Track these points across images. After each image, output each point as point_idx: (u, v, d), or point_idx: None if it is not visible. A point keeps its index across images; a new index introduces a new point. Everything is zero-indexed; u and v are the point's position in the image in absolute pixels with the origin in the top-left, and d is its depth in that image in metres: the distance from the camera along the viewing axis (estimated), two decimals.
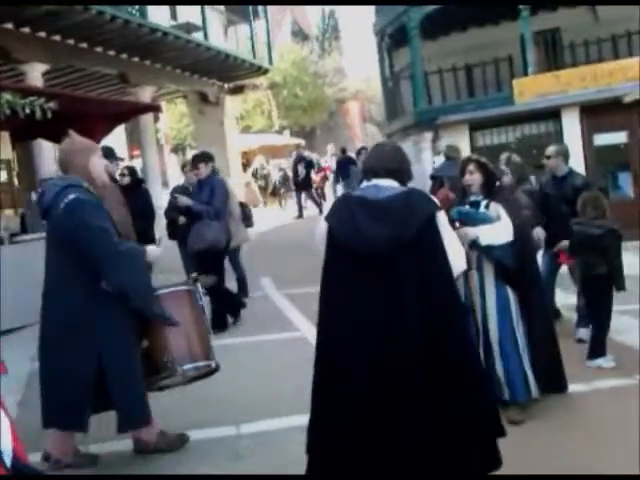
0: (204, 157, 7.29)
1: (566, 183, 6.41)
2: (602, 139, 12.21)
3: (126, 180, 7.91)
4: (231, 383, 5.27)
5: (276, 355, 6.10)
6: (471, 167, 4.67)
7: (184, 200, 7.14)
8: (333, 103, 36.73)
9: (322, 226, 3.25)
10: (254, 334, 6.84)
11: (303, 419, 4.32)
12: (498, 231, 4.50)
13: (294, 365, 5.62)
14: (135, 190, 7.88)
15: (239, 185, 17.79)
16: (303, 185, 18.89)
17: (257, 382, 5.36)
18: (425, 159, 12.99)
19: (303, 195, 18.98)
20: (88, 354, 3.79)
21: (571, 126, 11.93)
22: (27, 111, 5.80)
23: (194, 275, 4.50)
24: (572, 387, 4.80)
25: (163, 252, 4.37)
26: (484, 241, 4.49)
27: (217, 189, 6.99)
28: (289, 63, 32.52)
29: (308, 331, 6.78)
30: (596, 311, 5.60)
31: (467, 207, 4.71)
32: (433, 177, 9.14)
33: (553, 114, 12.06)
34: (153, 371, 3.99)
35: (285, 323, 7.29)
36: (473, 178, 4.64)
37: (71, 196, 3.76)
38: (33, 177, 11.17)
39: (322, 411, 3.10)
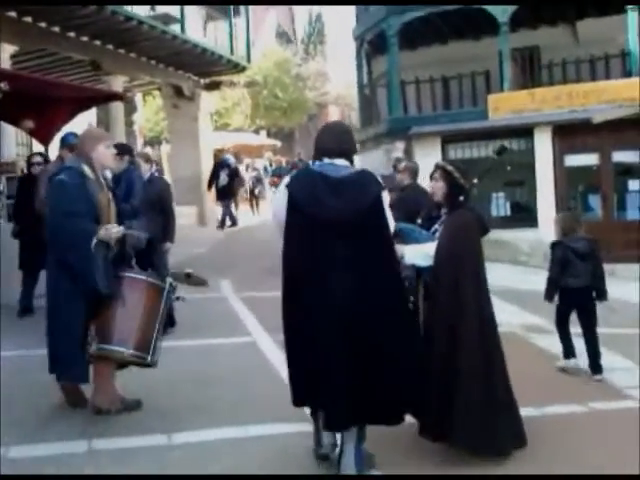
0: (120, 149, 6.44)
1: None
2: (573, 160, 12.23)
3: (38, 169, 7.23)
4: (169, 388, 5.07)
5: (222, 360, 5.89)
6: (436, 174, 4.27)
7: None
8: (313, 106, 36.58)
9: (282, 192, 3.67)
10: (203, 337, 6.62)
11: (236, 431, 4.24)
12: (421, 252, 4.19)
13: (239, 371, 5.45)
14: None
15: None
16: (224, 193, 16.74)
17: (197, 388, 5.12)
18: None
19: (226, 203, 16.88)
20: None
21: (543, 145, 11.93)
22: None
23: (187, 271, 4.57)
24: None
25: None
26: (408, 260, 4.20)
27: (135, 185, 6.41)
28: (271, 63, 32.30)
29: (259, 336, 6.63)
30: (589, 322, 5.81)
31: (404, 224, 4.44)
32: None
33: (526, 131, 12.04)
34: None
35: (237, 327, 7.09)
36: (436, 186, 4.24)
37: (60, 176, 4.40)
38: None
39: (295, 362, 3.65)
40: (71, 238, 4.30)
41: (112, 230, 4.38)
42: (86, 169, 4.44)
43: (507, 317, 6.93)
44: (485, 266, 4.22)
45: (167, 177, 18.52)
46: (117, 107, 14.22)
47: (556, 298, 5.99)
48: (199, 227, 15.37)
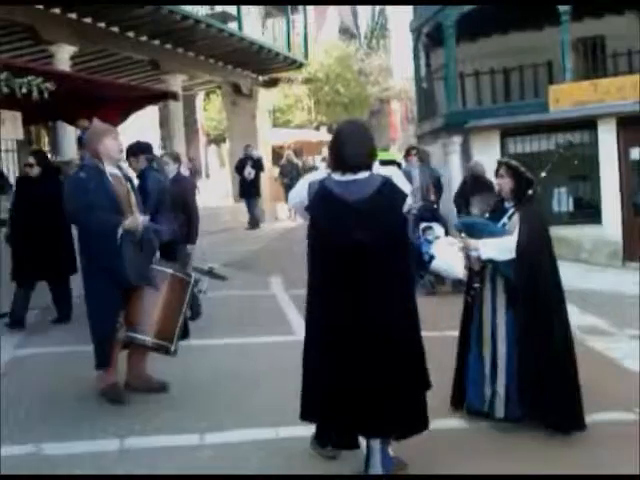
0: (134, 148, 6.43)
1: None
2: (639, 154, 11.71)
3: (35, 171, 6.86)
4: (206, 387, 5.07)
5: (264, 359, 5.84)
6: (501, 171, 4.40)
7: None
8: (376, 102, 36.31)
9: (300, 196, 3.63)
10: (248, 335, 6.59)
11: (271, 433, 4.19)
12: (499, 246, 4.27)
13: (279, 371, 5.39)
14: (49, 181, 6.77)
15: (268, 180, 17.63)
16: (249, 190, 15.15)
17: (234, 387, 5.10)
18: (453, 163, 12.62)
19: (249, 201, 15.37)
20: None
21: (607, 138, 11.45)
22: (24, 90, 5.63)
23: (209, 266, 5.26)
24: None
25: None
26: (484, 255, 4.32)
27: (147, 187, 6.02)
28: (333, 59, 32.19)
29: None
30: None
31: (472, 218, 4.52)
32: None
33: (589, 124, 11.58)
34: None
35: (283, 325, 7.03)
36: (503, 182, 4.37)
37: (74, 175, 4.70)
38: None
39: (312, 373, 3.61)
40: (96, 231, 4.45)
41: (137, 220, 4.53)
42: (100, 164, 4.59)
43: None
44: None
45: (226, 175, 18.80)
46: (176, 106, 14.43)
47: None
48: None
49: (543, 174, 4.56)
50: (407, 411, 3.55)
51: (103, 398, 4.72)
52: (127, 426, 4.32)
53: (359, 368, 3.46)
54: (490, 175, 5.61)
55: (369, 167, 3.52)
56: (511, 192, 4.35)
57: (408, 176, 9.61)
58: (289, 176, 17.56)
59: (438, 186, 10.05)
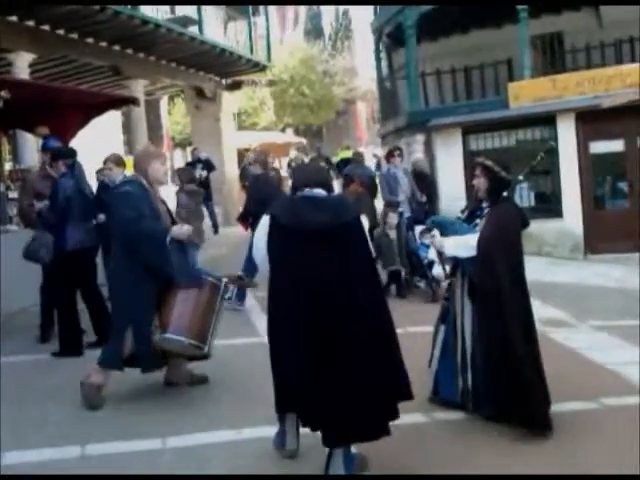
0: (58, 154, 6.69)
1: None
2: (599, 147, 11.90)
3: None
4: (168, 391, 5.08)
5: (228, 360, 5.83)
6: (477, 171, 4.45)
7: None
8: (341, 103, 36.43)
9: (262, 226, 3.80)
10: None
11: (233, 433, 4.21)
12: (461, 244, 4.38)
13: (243, 372, 5.41)
14: None
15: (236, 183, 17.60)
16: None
17: (199, 390, 5.10)
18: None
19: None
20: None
21: (566, 132, 11.60)
22: None
23: (239, 274, 5.91)
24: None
25: None
26: (448, 252, 4.49)
27: (58, 195, 6.34)
28: (297, 61, 32.25)
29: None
30: None
31: (442, 217, 4.67)
32: (346, 175, 10.67)
33: (549, 120, 11.74)
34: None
35: (248, 327, 7.04)
36: (479, 182, 4.43)
37: (123, 188, 4.88)
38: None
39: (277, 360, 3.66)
40: (148, 237, 4.72)
41: (183, 228, 4.91)
42: (144, 182, 4.89)
43: None
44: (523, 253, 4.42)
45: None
46: (139, 111, 14.31)
47: None
48: (224, 227, 15.36)
49: (520, 177, 4.60)
50: (375, 418, 3.57)
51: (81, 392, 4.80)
52: (87, 432, 4.32)
53: (325, 370, 3.49)
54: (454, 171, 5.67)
55: (325, 188, 3.84)
56: (486, 192, 4.40)
57: (393, 178, 9.59)
58: (250, 180, 17.33)
59: (372, 185, 10.21)
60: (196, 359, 5.07)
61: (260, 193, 8.03)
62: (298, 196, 3.82)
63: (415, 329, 6.10)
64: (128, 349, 4.78)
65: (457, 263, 4.57)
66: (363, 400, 3.48)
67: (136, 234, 4.70)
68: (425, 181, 11.21)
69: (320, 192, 3.80)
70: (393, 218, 8.72)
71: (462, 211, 4.75)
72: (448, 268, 4.71)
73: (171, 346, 4.87)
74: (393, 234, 8.65)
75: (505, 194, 4.39)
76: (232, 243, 12.74)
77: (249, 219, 8.11)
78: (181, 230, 4.88)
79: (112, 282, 5.06)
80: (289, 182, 21.04)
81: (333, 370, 3.48)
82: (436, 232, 4.59)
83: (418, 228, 8.61)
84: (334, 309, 3.52)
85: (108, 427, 4.42)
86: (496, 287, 4.24)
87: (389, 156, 9.82)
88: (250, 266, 7.38)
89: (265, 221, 3.79)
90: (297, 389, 3.55)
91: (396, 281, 8.52)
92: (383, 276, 7.90)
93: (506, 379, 4.21)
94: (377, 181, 10.67)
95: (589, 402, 4.76)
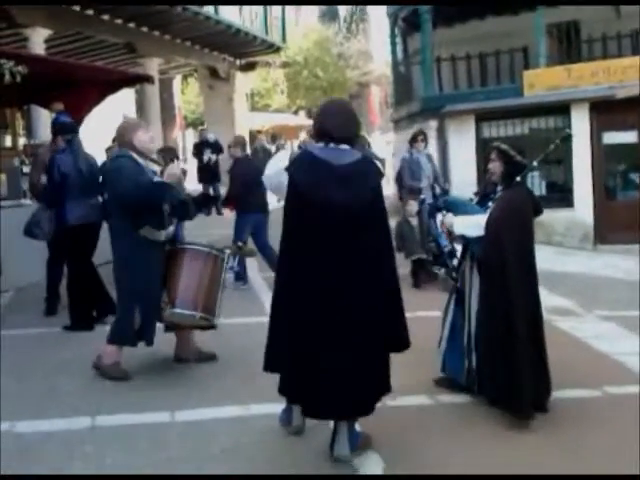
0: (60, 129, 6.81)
1: None
2: (613, 137, 11.86)
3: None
4: (177, 366, 5.19)
5: (236, 339, 5.91)
6: (492, 155, 4.52)
7: None
8: (355, 86, 36.24)
9: (280, 170, 3.67)
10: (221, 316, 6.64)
11: (241, 409, 4.28)
12: (470, 223, 4.47)
13: (251, 350, 5.46)
14: None
15: None
16: (209, 175, 14.69)
17: (202, 366, 5.19)
18: (429, 147, 12.66)
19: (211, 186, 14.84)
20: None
21: (580, 122, 11.57)
22: None
23: (239, 244, 5.84)
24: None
25: None
26: (457, 230, 4.59)
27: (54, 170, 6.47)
28: (312, 43, 32.08)
29: None
30: None
31: (455, 197, 4.72)
32: None
33: (563, 109, 11.71)
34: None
35: (256, 306, 7.10)
36: (494, 166, 4.49)
37: (115, 163, 4.90)
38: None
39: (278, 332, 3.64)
40: (146, 196, 4.75)
41: (174, 167, 4.99)
42: (134, 156, 4.89)
43: None
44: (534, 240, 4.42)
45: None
46: (153, 90, 14.37)
47: None
48: None
49: (535, 163, 4.62)
50: (374, 386, 3.61)
51: (102, 374, 4.90)
52: (98, 404, 4.40)
53: (330, 337, 3.49)
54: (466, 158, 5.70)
55: (351, 142, 3.66)
56: (500, 175, 4.46)
57: (417, 163, 9.26)
58: (260, 162, 17.26)
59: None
60: (204, 329, 5.19)
61: (242, 176, 8.10)
62: (321, 160, 3.57)
63: (427, 314, 6.12)
64: (137, 324, 4.85)
65: (466, 245, 4.63)
66: (360, 371, 3.51)
67: (136, 198, 4.73)
68: None
69: (345, 149, 3.62)
70: (414, 205, 8.51)
71: (475, 194, 4.82)
72: (459, 248, 4.76)
73: (181, 320, 4.98)
74: (415, 221, 8.47)
75: (519, 179, 4.40)
76: None
77: (231, 202, 8.22)
78: (172, 169, 4.96)
79: (117, 258, 5.00)
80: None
81: (335, 342, 3.49)
82: (447, 213, 4.66)
83: (439, 216, 8.61)
84: (346, 281, 3.50)
85: (118, 400, 4.50)
86: (501, 266, 4.26)
87: (413, 141, 9.46)
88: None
89: (282, 159, 3.77)
90: (292, 351, 3.56)
91: (418, 269, 8.32)
92: (406, 266, 7.86)
93: (503, 360, 4.22)
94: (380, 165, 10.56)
95: (593, 390, 4.79)
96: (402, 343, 3.70)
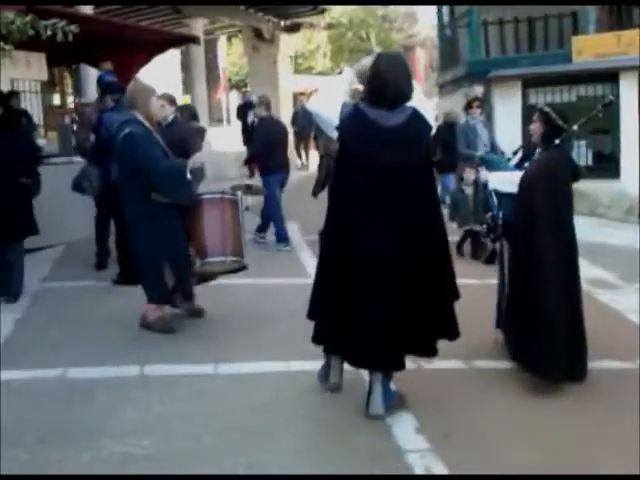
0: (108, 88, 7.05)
1: None
2: None
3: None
4: (222, 322, 5.34)
5: (279, 299, 6.08)
6: (534, 116, 4.60)
7: None
8: (400, 49, 35.74)
9: (330, 118, 3.71)
10: (264, 276, 6.82)
11: (282, 365, 4.45)
12: (504, 178, 4.62)
13: (294, 310, 5.62)
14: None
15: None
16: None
17: (252, 324, 5.35)
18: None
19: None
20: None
21: (629, 90, 11.31)
22: (49, 33, 5.75)
23: (247, 183, 6.03)
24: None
25: None
26: (491, 185, 4.74)
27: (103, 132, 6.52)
28: (356, 4, 31.65)
29: None
30: None
31: (491, 154, 5.52)
32: None
33: (611, 76, 11.45)
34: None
35: (299, 268, 7.25)
36: (534, 127, 4.56)
37: (127, 130, 4.84)
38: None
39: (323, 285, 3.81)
40: (171, 175, 4.87)
41: (196, 158, 5.11)
42: (143, 120, 4.93)
43: None
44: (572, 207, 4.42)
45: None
46: (198, 50, 14.44)
47: None
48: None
49: (575, 127, 4.59)
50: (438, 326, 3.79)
51: (150, 329, 5.10)
52: (147, 354, 4.62)
53: (384, 294, 3.61)
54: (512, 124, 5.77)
55: (406, 101, 3.66)
56: (541, 137, 4.49)
57: (473, 130, 8.81)
58: (300, 124, 16.69)
59: None
60: (236, 272, 5.35)
61: (265, 135, 8.20)
62: (371, 121, 3.58)
63: (466, 281, 6.16)
64: (170, 283, 5.02)
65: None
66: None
67: (160, 174, 4.80)
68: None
69: (396, 111, 3.61)
70: (470, 173, 8.31)
71: (514, 152, 4.92)
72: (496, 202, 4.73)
73: (214, 268, 5.17)
74: (469, 190, 8.32)
75: (557, 142, 4.38)
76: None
77: (254, 162, 8.38)
78: (195, 161, 5.09)
79: (135, 222, 5.04)
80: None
81: (378, 296, 3.62)
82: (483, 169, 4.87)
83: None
84: (395, 239, 3.61)
85: (164, 351, 4.70)
86: (531, 226, 4.26)
87: (468, 107, 9.04)
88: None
89: (334, 110, 3.70)
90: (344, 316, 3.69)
91: (471, 240, 8.19)
92: (457, 235, 7.88)
93: (531, 324, 4.23)
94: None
95: (626, 362, 4.82)
96: (453, 296, 3.84)
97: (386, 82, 3.58)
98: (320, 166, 8.28)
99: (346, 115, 3.65)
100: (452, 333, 3.84)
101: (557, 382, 4.20)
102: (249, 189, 6.31)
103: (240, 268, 5.28)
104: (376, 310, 3.61)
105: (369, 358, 3.73)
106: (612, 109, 11.50)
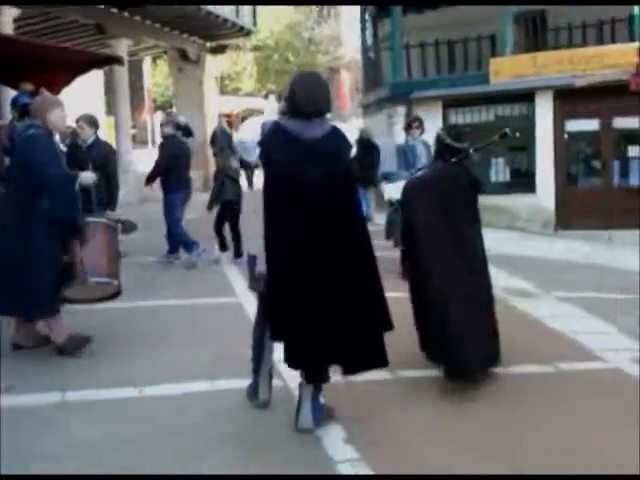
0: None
1: None
2: (575, 125, 12.16)
3: None
4: (150, 344, 5.28)
5: (205, 319, 6.05)
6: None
7: None
8: (326, 71, 36.22)
9: (253, 139, 3.74)
10: (190, 297, 6.79)
11: (207, 385, 4.43)
12: (395, 188, 5.78)
13: (221, 330, 5.62)
14: None
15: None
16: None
17: (177, 345, 5.31)
18: (396, 133, 12.87)
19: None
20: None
21: (544, 110, 11.84)
22: None
23: (122, 219, 5.59)
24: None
25: None
26: (386, 195, 6.01)
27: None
28: (283, 27, 32.02)
29: (245, 297, 6.76)
30: None
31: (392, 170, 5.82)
32: None
33: (527, 96, 11.96)
34: (67, 280, 4.86)
35: (226, 288, 7.25)
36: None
37: (31, 131, 4.86)
38: None
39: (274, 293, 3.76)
40: (60, 183, 4.83)
41: (89, 176, 5.09)
42: (46, 129, 4.91)
43: (494, 281, 6.97)
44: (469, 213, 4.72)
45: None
46: (122, 71, 14.31)
47: None
48: (202, 193, 15.42)
49: (471, 150, 4.86)
50: (367, 350, 3.78)
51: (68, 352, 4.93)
52: (69, 379, 4.51)
53: (321, 307, 3.67)
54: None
55: (323, 114, 3.73)
56: (434, 154, 5.07)
57: (412, 150, 8.60)
58: (220, 145, 16.73)
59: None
60: (112, 298, 5.21)
61: (171, 153, 8.37)
62: (292, 135, 3.65)
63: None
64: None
65: None
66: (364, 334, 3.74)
67: (48, 179, 4.74)
68: (370, 148, 11.69)
69: (316, 121, 3.69)
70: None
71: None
72: None
73: (92, 291, 5.04)
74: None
75: (454, 160, 4.72)
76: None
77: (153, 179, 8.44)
78: (88, 177, 5.07)
79: (11, 228, 4.84)
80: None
81: (323, 307, 3.67)
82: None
83: None
84: (332, 256, 3.66)
85: (84, 376, 4.61)
86: (410, 229, 4.72)
87: (408, 127, 8.97)
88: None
89: (254, 135, 3.75)
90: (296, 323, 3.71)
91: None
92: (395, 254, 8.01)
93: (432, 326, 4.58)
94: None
95: (545, 365, 5.02)
96: (385, 325, 3.85)
97: (302, 92, 3.67)
98: (215, 181, 8.75)
99: (266, 131, 3.71)
100: (381, 361, 3.87)
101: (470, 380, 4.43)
102: (122, 224, 6.16)
103: (116, 294, 5.18)
104: (313, 332, 3.67)
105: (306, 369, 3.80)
106: (528, 127, 12.02)
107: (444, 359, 4.50)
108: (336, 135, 3.77)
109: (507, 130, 5.20)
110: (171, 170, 8.27)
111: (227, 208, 8.56)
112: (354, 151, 9.16)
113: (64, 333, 4.97)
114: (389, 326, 3.83)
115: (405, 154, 8.66)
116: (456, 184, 4.73)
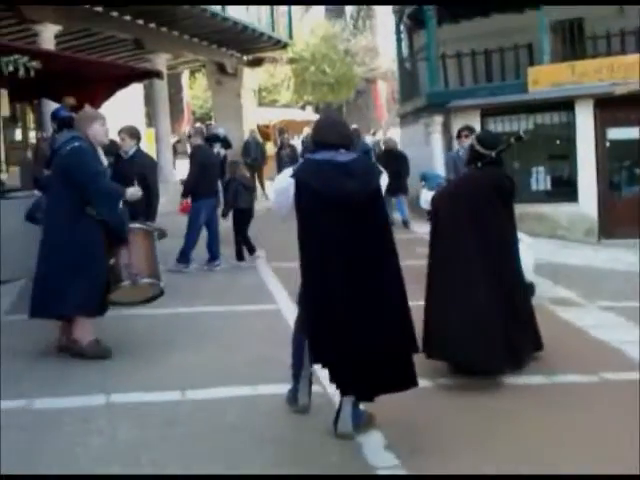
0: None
1: None
2: (617, 133, 11.98)
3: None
4: (193, 349, 5.33)
5: (246, 325, 6.09)
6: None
7: None
8: (362, 82, 36.33)
9: (286, 180, 3.79)
10: (231, 304, 6.84)
11: (248, 390, 4.46)
12: (424, 197, 5.81)
13: (261, 336, 5.65)
14: None
15: None
16: (221, 169, 12.09)
17: (219, 350, 5.36)
18: (434, 142, 12.84)
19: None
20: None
21: (584, 118, 11.69)
22: (10, 69, 5.79)
23: (155, 226, 5.93)
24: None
25: None
26: (422, 204, 6.00)
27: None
28: (319, 39, 32.19)
29: (284, 304, 6.78)
30: None
31: (430, 171, 6.80)
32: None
33: (567, 105, 11.83)
34: (113, 283, 5.10)
35: (265, 295, 7.29)
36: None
37: (75, 143, 5.01)
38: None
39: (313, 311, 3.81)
40: (108, 196, 5.07)
41: (135, 193, 5.34)
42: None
43: (538, 291, 6.88)
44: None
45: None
46: (161, 85, 14.53)
47: None
48: None
49: (493, 154, 4.92)
50: (397, 370, 3.79)
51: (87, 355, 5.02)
52: (113, 382, 4.58)
53: (355, 326, 3.69)
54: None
55: (347, 147, 3.91)
56: (466, 161, 5.32)
57: (462, 160, 7.98)
58: (252, 155, 16.55)
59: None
60: (151, 300, 5.43)
61: (201, 162, 8.59)
62: (324, 161, 3.79)
63: None
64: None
65: None
66: (392, 353, 3.75)
67: (94, 193, 4.97)
68: (396, 158, 12.09)
69: (343, 151, 3.84)
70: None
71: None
72: None
73: (140, 291, 5.26)
74: None
75: (480, 165, 4.91)
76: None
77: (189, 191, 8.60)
78: (134, 193, 5.31)
79: (60, 233, 5.07)
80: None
81: (365, 327, 3.69)
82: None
83: None
84: (365, 274, 3.70)
85: (130, 378, 4.67)
86: (435, 237, 4.93)
87: (458, 137, 8.75)
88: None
89: (286, 183, 3.81)
90: (334, 343, 3.72)
91: None
92: None
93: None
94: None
95: (589, 375, 4.93)
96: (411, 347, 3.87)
97: (327, 126, 4.00)
98: (228, 189, 8.91)
99: (297, 167, 3.86)
100: (413, 382, 3.86)
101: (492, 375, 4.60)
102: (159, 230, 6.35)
103: (158, 295, 5.39)
104: (362, 359, 3.70)
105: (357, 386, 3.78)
106: (569, 136, 11.88)
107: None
108: (364, 159, 4.13)
109: (522, 133, 5.63)
110: (200, 178, 8.48)
111: (241, 215, 8.86)
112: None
113: (91, 336, 5.08)
114: (414, 348, 3.87)
115: (455, 163, 8.50)
116: (481, 188, 4.86)
